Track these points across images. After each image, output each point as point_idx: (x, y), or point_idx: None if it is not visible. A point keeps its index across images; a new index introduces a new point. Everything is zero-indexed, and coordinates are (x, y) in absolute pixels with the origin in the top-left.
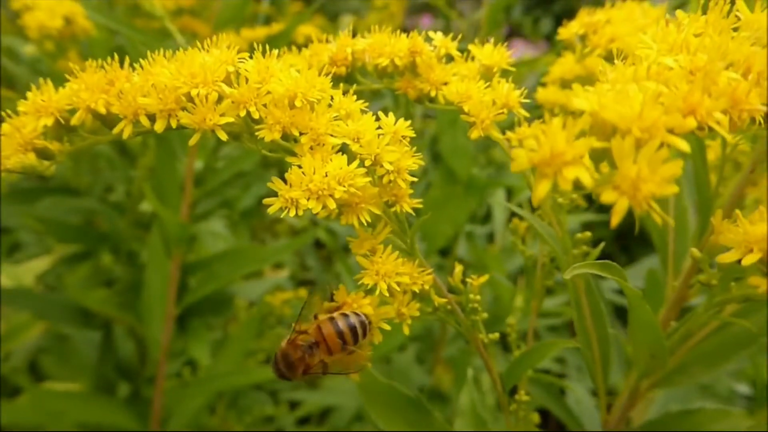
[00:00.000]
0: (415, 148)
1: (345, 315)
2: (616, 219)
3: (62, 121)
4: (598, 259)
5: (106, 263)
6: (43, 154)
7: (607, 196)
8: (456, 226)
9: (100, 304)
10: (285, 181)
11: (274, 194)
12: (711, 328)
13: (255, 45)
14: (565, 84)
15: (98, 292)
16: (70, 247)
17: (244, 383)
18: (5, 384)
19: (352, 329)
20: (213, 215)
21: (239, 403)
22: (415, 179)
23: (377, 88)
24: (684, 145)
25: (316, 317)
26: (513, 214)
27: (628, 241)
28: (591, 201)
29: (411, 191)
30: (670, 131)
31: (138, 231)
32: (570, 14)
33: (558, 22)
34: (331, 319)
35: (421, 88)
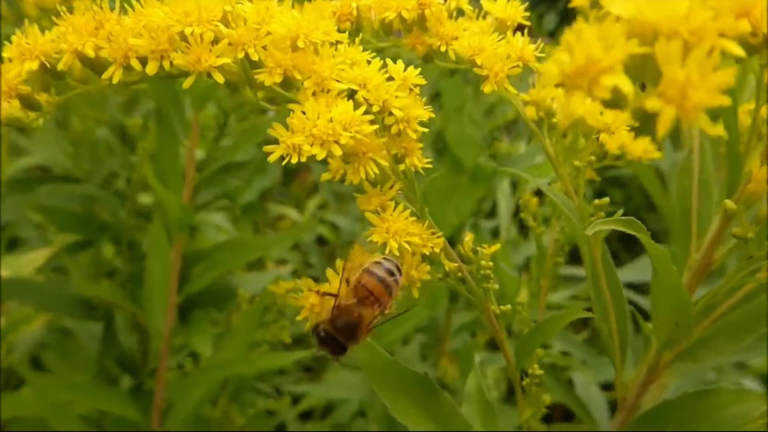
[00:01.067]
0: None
1: (377, 262)
2: (662, 129)
3: (48, 66)
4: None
5: (108, 255)
6: (28, 103)
7: (651, 103)
8: (461, 215)
9: (102, 293)
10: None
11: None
12: (736, 300)
13: None
14: None
15: (101, 284)
16: (70, 237)
17: (246, 373)
18: (8, 378)
19: (391, 272)
20: (214, 206)
21: (241, 397)
22: (426, 129)
23: (384, 46)
24: (738, 50)
25: (347, 281)
26: (518, 211)
27: (632, 239)
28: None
29: (421, 145)
30: (721, 35)
31: (139, 221)
32: (574, 10)
33: (562, 18)
34: (366, 270)
35: (430, 43)
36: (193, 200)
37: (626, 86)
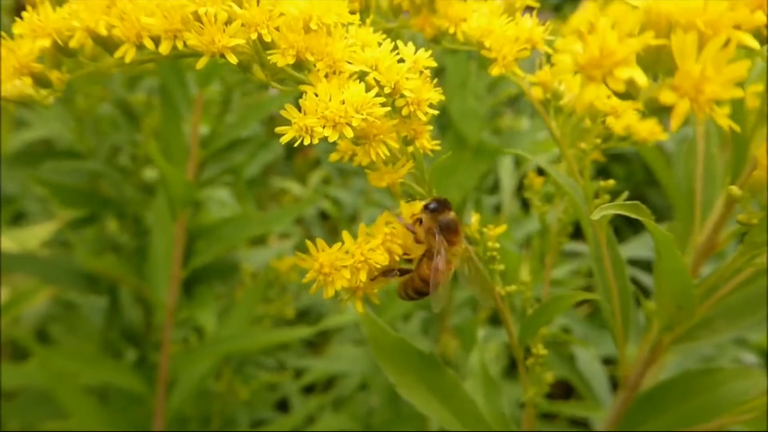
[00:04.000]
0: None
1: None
2: (676, 123)
3: (60, 44)
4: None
5: (113, 229)
6: (39, 80)
7: (666, 97)
8: (464, 191)
9: (105, 266)
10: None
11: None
12: (737, 282)
13: None
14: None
15: (106, 258)
16: (74, 212)
17: (250, 347)
18: (14, 350)
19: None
20: (218, 182)
21: (245, 370)
22: (436, 112)
23: (393, 27)
24: (753, 42)
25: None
26: (521, 187)
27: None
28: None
29: (431, 128)
30: (737, 28)
31: (143, 195)
32: None
33: None
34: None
35: (439, 25)
36: (198, 176)
37: (641, 79)
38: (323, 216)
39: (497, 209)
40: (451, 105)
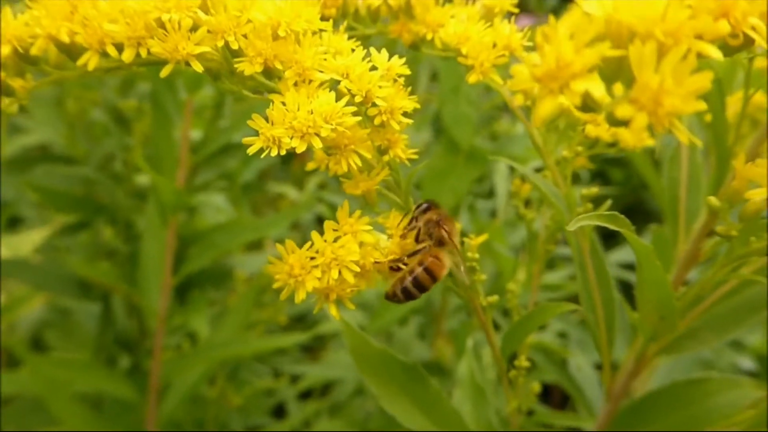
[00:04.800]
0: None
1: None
2: (634, 139)
3: (21, 51)
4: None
5: (108, 235)
6: (2, 89)
7: (622, 111)
8: (457, 196)
9: (98, 274)
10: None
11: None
12: (722, 292)
13: None
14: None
15: (98, 264)
16: (68, 217)
17: (243, 353)
18: (10, 357)
19: None
20: (213, 187)
21: (239, 376)
22: (410, 121)
23: (370, 33)
24: (716, 52)
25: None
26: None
27: (631, 216)
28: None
29: (406, 137)
30: (699, 37)
31: (136, 201)
32: None
33: None
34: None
35: (417, 31)
36: (192, 181)
37: (598, 91)
38: (320, 220)
39: (493, 214)
40: (444, 110)
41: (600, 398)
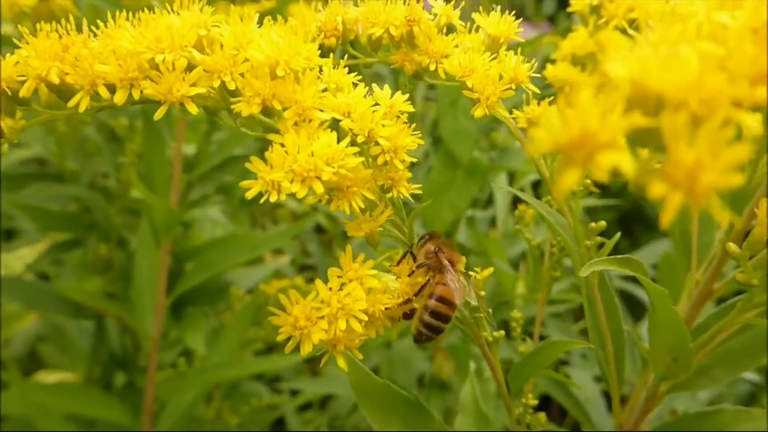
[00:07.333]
0: (414, 126)
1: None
2: (667, 218)
3: (9, 93)
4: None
5: (102, 252)
6: None
7: (656, 189)
8: (457, 211)
9: (87, 297)
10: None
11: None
12: (734, 328)
13: (233, 8)
14: (576, 61)
15: (90, 282)
16: (61, 234)
17: (238, 375)
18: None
19: None
20: (209, 201)
21: (237, 393)
22: (415, 159)
23: (371, 62)
24: (755, 123)
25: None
26: (516, 199)
27: (630, 224)
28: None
29: (409, 175)
30: (736, 105)
31: (129, 218)
32: None
33: (561, 2)
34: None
35: (419, 61)
36: (186, 197)
37: (627, 166)
38: (318, 229)
39: (492, 223)
40: (442, 124)
41: (603, 414)
